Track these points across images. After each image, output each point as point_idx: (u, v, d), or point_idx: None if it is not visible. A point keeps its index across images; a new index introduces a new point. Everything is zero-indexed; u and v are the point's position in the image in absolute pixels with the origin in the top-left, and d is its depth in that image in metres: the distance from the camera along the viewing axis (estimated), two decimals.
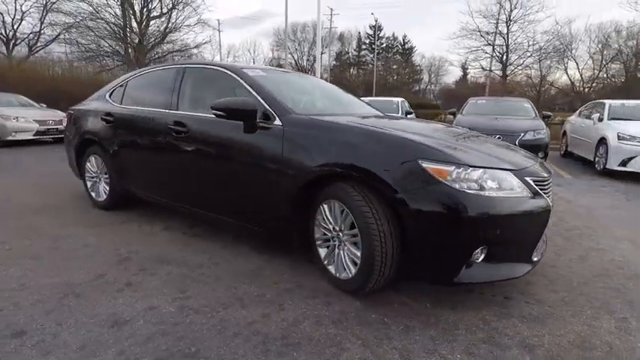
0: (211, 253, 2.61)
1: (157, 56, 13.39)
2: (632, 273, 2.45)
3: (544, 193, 1.97)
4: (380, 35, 49.38)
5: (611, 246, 2.93)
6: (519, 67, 22.05)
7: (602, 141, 6.10)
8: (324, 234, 2.20)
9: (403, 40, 50.58)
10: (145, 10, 14.94)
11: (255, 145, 2.33)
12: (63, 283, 2.15)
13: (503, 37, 21.96)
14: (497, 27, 21.46)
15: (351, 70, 51.06)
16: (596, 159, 6.35)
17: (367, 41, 50.36)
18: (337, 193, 2.03)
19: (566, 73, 30.51)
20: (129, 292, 2.07)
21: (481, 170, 1.81)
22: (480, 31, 22.11)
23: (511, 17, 21.47)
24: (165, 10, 15.62)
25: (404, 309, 1.95)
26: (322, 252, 2.24)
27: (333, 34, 45.34)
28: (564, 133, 8.69)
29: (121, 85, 3.50)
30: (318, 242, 2.26)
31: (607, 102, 6.96)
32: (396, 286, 2.12)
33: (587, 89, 30.30)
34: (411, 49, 50.59)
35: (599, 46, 29.52)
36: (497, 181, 1.83)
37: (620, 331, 1.80)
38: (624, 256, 2.73)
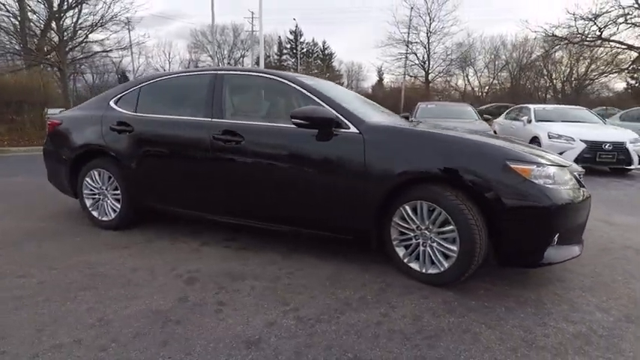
0: (277, 265, 2.57)
1: (81, 56, 11.89)
2: (625, 245, 3.07)
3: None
4: (301, 40, 50.36)
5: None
6: (440, 74, 24.73)
7: (535, 140, 7.22)
8: (403, 233, 2.36)
9: (323, 45, 52.19)
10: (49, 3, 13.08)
11: (333, 153, 2.39)
12: (150, 312, 1.96)
13: (424, 47, 24.44)
14: (418, 37, 23.85)
15: None
16: None
17: (288, 46, 50.96)
18: (426, 194, 2.21)
19: (467, 80, 34.78)
20: (229, 312, 1.98)
21: (553, 168, 2.15)
22: (404, 41, 24.23)
23: (430, 29, 24.05)
24: (73, 3, 13.89)
25: (492, 293, 2.21)
26: (400, 251, 2.40)
27: (254, 37, 44.84)
28: (494, 133, 10.02)
29: (132, 92, 3.19)
30: (395, 242, 2.41)
31: (532, 106, 8.24)
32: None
33: (483, 94, 34.84)
34: (331, 54, 52.48)
35: (492, 56, 34.24)
36: (561, 177, 2.19)
37: None
38: (607, 233, 3.37)
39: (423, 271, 2.30)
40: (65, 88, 11.35)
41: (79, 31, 12.38)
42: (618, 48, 18.04)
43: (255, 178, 2.63)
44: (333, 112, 2.41)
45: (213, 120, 2.74)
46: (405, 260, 2.37)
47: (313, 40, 52.59)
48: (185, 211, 2.97)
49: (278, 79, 2.72)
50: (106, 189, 3.20)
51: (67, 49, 10.75)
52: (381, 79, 55.95)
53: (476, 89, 35.94)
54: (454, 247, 2.15)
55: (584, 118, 7.74)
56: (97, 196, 3.25)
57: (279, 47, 51.01)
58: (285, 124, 2.54)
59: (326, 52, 52.56)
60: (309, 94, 2.57)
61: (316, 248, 2.80)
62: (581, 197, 2.26)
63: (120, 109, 3.15)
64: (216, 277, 2.38)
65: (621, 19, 17.01)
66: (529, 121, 7.77)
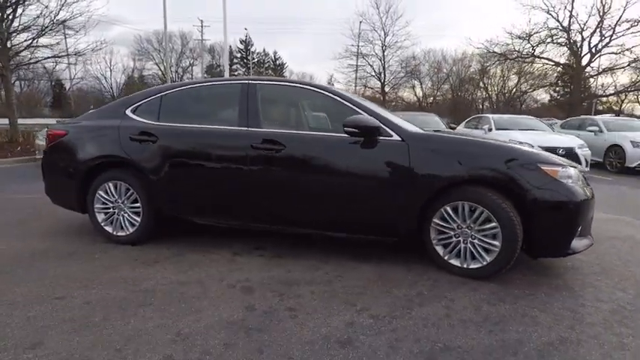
0: (322, 270, 2.63)
1: (28, 61, 10.79)
2: (610, 236, 3.54)
3: None
4: (251, 50, 50.18)
5: None
6: (395, 86, 26.01)
7: None
8: (442, 232, 2.55)
9: (274, 55, 52.38)
10: None
11: (379, 160, 2.53)
12: (225, 322, 1.94)
13: (380, 60, 25.66)
14: (374, 50, 25.06)
15: None
16: None
17: (239, 55, 50.49)
18: (468, 195, 2.42)
19: (414, 91, 36.97)
20: (304, 316, 2.02)
21: (572, 168, 2.48)
22: (360, 53, 25.30)
23: (385, 43, 25.34)
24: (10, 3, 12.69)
25: (527, 283, 2.46)
26: (440, 249, 2.59)
27: (204, 46, 43.87)
28: None
29: (151, 101, 3.08)
30: (434, 241, 2.59)
31: (491, 116, 9.03)
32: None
33: (428, 104, 37.19)
34: (282, 64, 52.78)
35: (434, 69, 36.76)
36: (578, 176, 2.52)
37: None
38: None
39: (464, 266, 2.50)
40: (9, 96, 10.27)
41: (25, 34, 11.28)
42: (547, 64, 20.30)
43: (298, 185, 2.69)
44: (377, 121, 2.56)
45: (251, 129, 2.75)
46: (446, 257, 2.56)
47: (264, 50, 52.64)
48: (218, 220, 2.92)
49: (315, 89, 2.81)
50: (123, 202, 3.04)
51: (10, 54, 9.75)
52: None
53: (421, 100, 38.29)
54: (496, 242, 2.38)
55: (536, 126, 8.64)
56: (111, 210, 3.08)
57: (230, 56, 50.29)
58: (326, 133, 2.63)
59: (277, 62, 52.80)
60: (348, 104, 2.69)
61: (347, 253, 2.89)
62: (591, 194, 2.61)
63: (140, 119, 3.03)
64: (269, 284, 2.39)
65: (549, 39, 19.20)
66: (490, 130, 8.50)
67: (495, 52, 20.45)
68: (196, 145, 2.86)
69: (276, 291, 2.31)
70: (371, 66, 25.55)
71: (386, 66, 25.52)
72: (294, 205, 2.74)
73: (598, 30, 18.44)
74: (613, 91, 21.18)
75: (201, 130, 2.88)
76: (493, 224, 2.38)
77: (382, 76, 25.60)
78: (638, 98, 28.90)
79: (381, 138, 2.55)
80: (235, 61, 50.83)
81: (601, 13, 18.43)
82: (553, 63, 20.01)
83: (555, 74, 22.82)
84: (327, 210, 2.68)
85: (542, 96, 33.29)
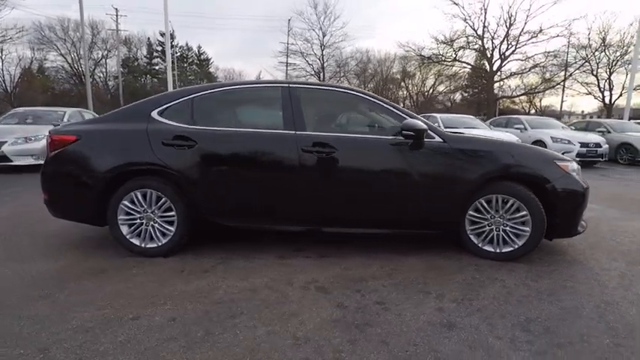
0: (376, 265, 2.77)
1: None
2: None
3: None
4: (174, 43, 47.08)
5: None
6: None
7: None
8: (475, 222, 2.89)
9: (198, 50, 49.87)
10: None
11: (427, 160, 2.77)
12: (330, 321, 2.02)
13: (319, 59, 26.10)
14: (312, 49, 25.43)
15: (144, 78, 46.57)
16: None
17: (159, 49, 47.06)
18: (501, 189, 2.79)
19: None
20: (395, 307, 2.18)
21: (575, 163, 2.99)
22: (300, 52, 25.49)
23: (324, 42, 25.85)
24: None
25: (545, 261, 2.90)
26: (474, 238, 2.93)
27: (119, 37, 39.95)
28: None
29: (180, 103, 2.90)
30: (469, 231, 2.93)
31: (438, 115, 9.90)
32: None
33: None
34: (208, 60, 50.53)
35: (361, 69, 38.59)
36: (579, 170, 3.03)
37: None
38: None
39: (497, 250, 2.87)
40: None
41: None
42: (465, 67, 22.69)
43: (348, 186, 2.80)
44: (425, 124, 2.79)
45: (298, 132, 2.78)
46: (480, 245, 2.91)
47: (187, 45, 49.83)
48: (262, 224, 2.90)
49: (355, 94, 2.95)
50: (153, 212, 2.84)
51: None
52: None
53: None
54: (527, 228, 2.78)
55: (477, 125, 9.72)
56: (137, 221, 2.85)
57: (149, 50, 46.67)
58: (374, 135, 2.80)
59: (202, 57, 50.35)
60: (392, 109, 2.88)
61: (386, 247, 3.10)
62: (587, 184, 3.16)
63: (171, 122, 2.85)
64: (338, 283, 2.49)
65: (466, 45, 21.44)
66: (439, 127, 9.34)
67: (423, 56, 22.30)
68: (242, 149, 2.80)
69: (350, 288, 2.41)
70: (310, 65, 26.04)
71: (325, 65, 26.19)
72: (344, 205, 2.84)
73: (506, 39, 21.18)
74: (516, 93, 24.46)
75: (247, 133, 2.82)
76: (523, 213, 2.77)
77: (322, 75, 26.15)
78: (532, 99, 33.65)
79: (427, 140, 2.79)
80: (155, 54, 47.33)
81: (507, 25, 21.20)
82: (471, 66, 22.48)
83: (466, 76, 25.64)
84: (376, 208, 2.85)
85: (457, 96, 36.91)
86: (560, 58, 21.63)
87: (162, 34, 45.98)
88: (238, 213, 2.88)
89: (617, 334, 1.93)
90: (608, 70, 22.57)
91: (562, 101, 28.01)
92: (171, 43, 45.97)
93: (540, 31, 19.99)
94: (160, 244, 2.86)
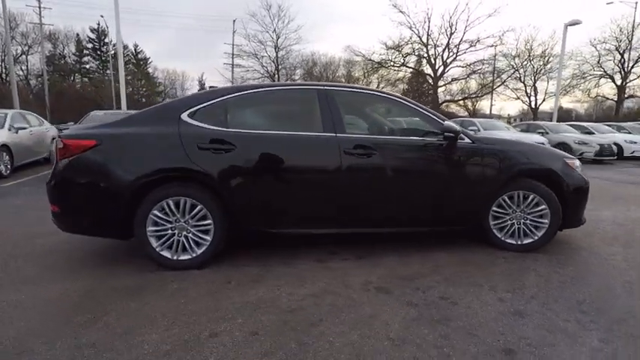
0: (414, 264, 2.86)
1: None
2: None
3: None
4: (106, 41, 43.62)
5: None
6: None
7: None
8: (497, 218, 3.11)
9: (135, 49, 46.79)
10: None
11: (458, 160, 2.93)
12: (411, 320, 2.05)
13: (273, 61, 25.70)
14: (266, 51, 25.05)
15: (73, 77, 42.60)
16: None
17: (90, 46, 43.43)
18: (524, 185, 3.03)
19: None
20: (460, 301, 2.27)
21: (577, 160, 3.34)
22: (255, 54, 24.96)
23: (278, 44, 25.51)
24: None
25: (557, 250, 3.18)
26: (497, 232, 3.15)
27: (43, 32, 36.06)
28: None
29: (212, 105, 2.74)
30: (492, 225, 3.14)
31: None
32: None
33: None
34: (146, 59, 47.64)
35: (307, 73, 39.02)
36: (581, 166, 3.38)
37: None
38: None
39: (519, 242, 3.11)
40: None
41: None
42: (412, 72, 23.96)
43: (387, 187, 2.86)
44: (458, 127, 2.94)
45: (339, 135, 2.78)
46: (502, 238, 3.13)
47: (122, 42, 46.56)
48: (302, 228, 2.85)
49: (389, 97, 3.03)
50: (186, 221, 2.66)
51: None
52: (202, 89, 54.96)
53: None
54: (545, 221, 3.05)
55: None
56: (169, 232, 2.65)
57: (78, 47, 42.82)
58: (409, 137, 2.89)
59: (139, 56, 47.31)
60: (427, 113, 3.00)
61: (411, 246, 3.20)
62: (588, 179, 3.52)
63: (204, 125, 2.68)
64: (392, 282, 2.53)
65: (412, 52, 22.65)
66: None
67: (373, 60, 23.15)
68: (283, 152, 2.72)
69: (407, 287, 2.47)
70: (265, 67, 25.60)
71: (279, 67, 25.91)
72: (383, 206, 2.89)
73: (447, 47, 22.76)
74: (458, 97, 26.37)
75: (288, 136, 2.75)
76: (543, 207, 3.04)
77: (276, 77, 25.84)
78: (465, 103, 36.42)
79: (459, 141, 2.94)
80: (86, 52, 43.64)
81: (448, 34, 22.80)
82: (417, 72, 23.81)
83: (406, 80, 27.00)
84: (413, 208, 2.94)
85: None
86: (492, 67, 23.82)
87: (93, 30, 42.61)
88: (279, 218, 2.80)
89: None
90: (533, 77, 25.34)
91: (491, 105, 30.92)
92: (102, 39, 42.81)
93: (478, 40, 21.88)
94: (193, 255, 2.69)
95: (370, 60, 23.47)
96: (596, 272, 2.74)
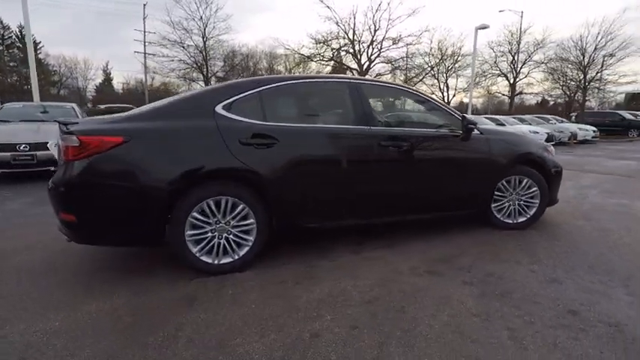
0: (440, 247, 3.07)
1: None
2: None
3: None
4: None
5: None
6: (220, 79, 24.80)
7: None
8: (497, 200, 3.50)
9: (20, 32, 40.11)
10: None
11: (474, 149, 3.22)
12: (476, 297, 2.23)
13: (201, 51, 23.84)
14: (192, 40, 23.16)
15: None
16: None
17: None
18: (520, 171, 3.44)
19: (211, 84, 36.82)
20: (510, 278, 2.53)
21: (553, 148, 3.88)
22: (181, 43, 22.87)
23: (206, 34, 23.72)
24: None
25: (545, 225, 3.70)
26: (496, 213, 3.54)
27: None
28: None
29: (247, 97, 2.56)
30: (493, 207, 3.52)
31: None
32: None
33: None
34: (36, 43, 41.14)
35: (228, 65, 37.72)
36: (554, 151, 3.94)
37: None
38: None
39: (515, 221, 3.53)
40: None
41: None
42: (336, 66, 24.72)
43: (417, 177, 3.02)
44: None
45: (373, 128, 2.84)
46: (501, 218, 3.53)
47: (2, 23, 39.70)
48: (343, 221, 2.86)
49: (411, 91, 3.17)
50: (227, 222, 2.49)
51: None
52: (109, 80, 49.53)
53: None
54: (536, 201, 3.51)
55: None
56: (208, 235, 2.45)
57: None
58: (431, 130, 3.09)
59: (25, 39, 40.65)
60: (444, 107, 3.21)
61: (424, 231, 3.43)
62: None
63: (243, 119, 2.51)
64: (434, 265, 2.70)
65: (338, 47, 23.33)
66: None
67: (302, 55, 23.26)
68: (324, 145, 2.69)
69: (452, 268, 2.65)
70: (193, 58, 23.72)
71: (208, 58, 24.27)
72: (412, 195, 3.05)
73: (372, 44, 23.92)
74: None
75: (329, 129, 2.72)
76: (534, 189, 3.49)
77: (205, 68, 24.22)
78: None
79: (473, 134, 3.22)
80: None
81: (372, 31, 23.95)
82: (347, 67, 24.58)
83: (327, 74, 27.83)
84: (439, 194, 3.16)
85: None
86: (413, 63, 25.80)
87: None
88: (322, 212, 2.77)
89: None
90: (445, 74, 28.07)
91: None
92: None
93: (400, 38, 23.38)
94: (235, 258, 2.53)
95: (301, 54, 23.58)
96: (583, 241, 3.25)
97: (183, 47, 23.25)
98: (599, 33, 23.21)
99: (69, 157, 2.24)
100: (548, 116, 17.92)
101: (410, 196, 3.06)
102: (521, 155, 3.45)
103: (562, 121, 17.60)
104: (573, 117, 20.30)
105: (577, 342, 1.80)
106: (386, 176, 2.91)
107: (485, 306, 2.13)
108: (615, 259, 2.83)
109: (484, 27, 17.22)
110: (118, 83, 49.10)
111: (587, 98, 26.03)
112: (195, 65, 24.32)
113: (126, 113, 2.53)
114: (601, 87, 24.69)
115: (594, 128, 16.32)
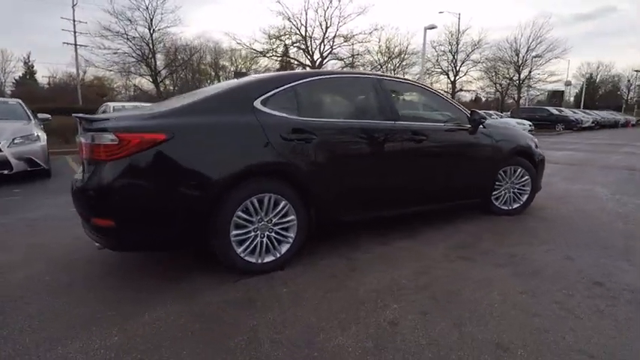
0: (460, 234, 3.26)
1: None
2: None
3: None
4: None
5: None
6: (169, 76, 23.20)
7: None
8: (495, 188, 3.80)
9: None
10: None
11: (481, 142, 3.46)
12: (513, 277, 2.43)
13: (147, 44, 22.00)
14: (137, 32, 21.24)
15: None
16: None
17: None
18: (515, 161, 3.77)
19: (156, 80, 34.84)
20: (530, 258, 2.77)
21: (536, 139, 4.27)
22: (125, 34, 20.83)
23: (153, 26, 21.91)
24: None
25: (536, 209, 4.07)
26: (494, 201, 3.84)
27: None
28: None
29: (282, 91, 2.51)
30: (493, 195, 3.81)
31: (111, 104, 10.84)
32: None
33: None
34: None
35: (170, 58, 35.88)
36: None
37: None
38: None
39: (510, 207, 3.86)
40: None
41: None
42: (296, 63, 24.66)
43: (436, 167, 3.20)
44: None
45: (397, 123, 2.93)
46: (499, 205, 3.83)
47: None
48: (377, 213, 2.95)
49: (427, 89, 3.31)
50: (270, 219, 2.43)
51: None
52: (32, 73, 44.66)
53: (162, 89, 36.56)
54: (528, 188, 3.86)
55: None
56: (251, 234, 2.38)
57: None
58: (443, 124, 3.28)
59: None
60: (455, 104, 3.41)
61: (431, 221, 3.62)
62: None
63: (281, 114, 2.46)
64: (460, 250, 2.87)
65: (291, 43, 23.26)
66: None
67: (255, 50, 22.80)
68: (358, 140, 2.73)
69: (476, 253, 2.84)
70: (140, 50, 21.85)
71: (156, 51, 22.64)
72: (430, 186, 3.22)
73: (324, 40, 24.17)
74: None
75: (360, 124, 2.77)
76: (526, 177, 3.83)
77: (153, 62, 22.54)
78: None
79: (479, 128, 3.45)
80: None
81: (323, 28, 24.18)
82: (298, 62, 24.55)
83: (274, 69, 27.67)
84: (453, 185, 3.36)
85: None
86: (364, 60, 26.54)
87: None
88: (359, 206, 2.82)
89: (630, 234, 3.13)
90: (393, 72, 29.26)
91: None
92: None
93: (352, 36, 23.88)
94: (277, 256, 2.49)
95: (253, 49, 23.11)
96: (573, 223, 3.64)
97: (128, 39, 21.55)
98: (530, 36, 25.68)
99: (102, 156, 2.04)
100: (491, 111, 19.47)
101: (433, 187, 3.24)
102: (517, 146, 3.76)
103: (501, 117, 19.24)
104: (509, 113, 22.36)
105: (616, 308, 2.05)
106: (412, 168, 3.04)
107: (525, 284, 2.32)
108: (606, 236, 3.22)
109: (432, 27, 18.22)
110: (42, 77, 44.39)
111: (521, 95, 28.67)
112: (141, 58, 22.62)
113: (156, 109, 2.36)
114: (532, 85, 27.34)
115: (530, 122, 18.07)
